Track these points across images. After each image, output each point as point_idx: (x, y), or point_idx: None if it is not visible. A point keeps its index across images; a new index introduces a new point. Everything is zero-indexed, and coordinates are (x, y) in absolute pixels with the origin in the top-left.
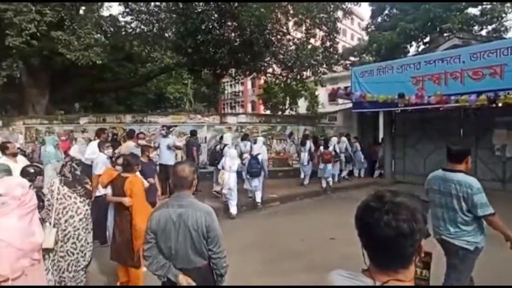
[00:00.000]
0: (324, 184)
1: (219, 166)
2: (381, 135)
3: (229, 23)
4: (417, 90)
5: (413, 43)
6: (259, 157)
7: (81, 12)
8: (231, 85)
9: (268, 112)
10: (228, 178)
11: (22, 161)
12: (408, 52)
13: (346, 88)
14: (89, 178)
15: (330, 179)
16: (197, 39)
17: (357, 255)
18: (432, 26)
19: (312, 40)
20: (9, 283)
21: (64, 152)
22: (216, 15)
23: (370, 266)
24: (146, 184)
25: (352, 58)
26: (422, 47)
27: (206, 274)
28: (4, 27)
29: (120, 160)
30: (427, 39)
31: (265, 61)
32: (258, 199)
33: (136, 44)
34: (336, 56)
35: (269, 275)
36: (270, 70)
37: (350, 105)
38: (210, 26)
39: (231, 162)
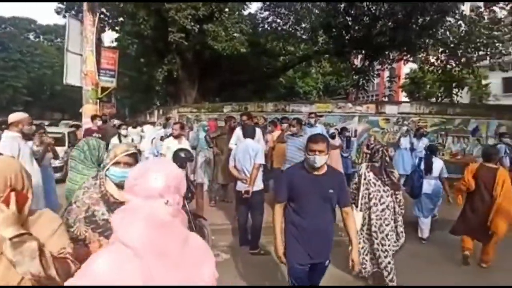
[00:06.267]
0: None
1: None
2: None
3: None
4: None
5: None
6: None
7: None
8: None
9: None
10: None
11: (185, 144)
12: None
13: None
14: None
15: None
16: (349, 15)
17: None
18: None
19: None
20: None
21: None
22: None
23: None
24: None
25: None
26: None
27: None
28: (167, 25)
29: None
30: None
31: (421, 41)
32: None
33: (270, 39)
34: None
35: None
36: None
37: None
38: None
39: None
